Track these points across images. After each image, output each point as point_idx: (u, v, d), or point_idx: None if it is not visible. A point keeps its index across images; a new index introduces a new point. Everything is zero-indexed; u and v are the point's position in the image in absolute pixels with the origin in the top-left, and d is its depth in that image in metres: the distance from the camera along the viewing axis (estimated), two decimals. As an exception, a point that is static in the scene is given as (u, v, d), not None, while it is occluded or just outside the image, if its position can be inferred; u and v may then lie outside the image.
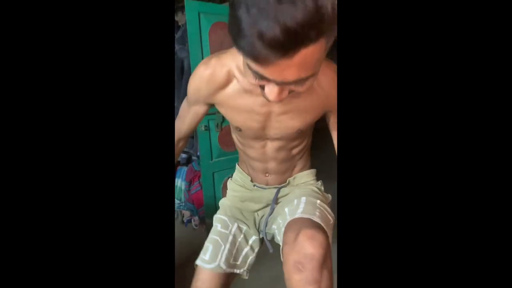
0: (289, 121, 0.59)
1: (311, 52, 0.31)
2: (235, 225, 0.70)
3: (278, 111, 0.57)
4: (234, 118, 0.60)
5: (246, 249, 0.69)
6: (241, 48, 0.31)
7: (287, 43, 0.29)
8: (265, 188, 0.73)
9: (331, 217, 0.62)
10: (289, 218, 0.58)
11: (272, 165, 0.69)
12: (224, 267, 0.64)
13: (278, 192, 0.72)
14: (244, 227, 0.71)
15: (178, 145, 0.69)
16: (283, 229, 0.58)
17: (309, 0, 0.27)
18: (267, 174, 0.71)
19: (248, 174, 0.74)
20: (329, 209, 0.64)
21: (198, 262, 0.67)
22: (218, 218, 0.72)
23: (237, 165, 0.80)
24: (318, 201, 0.64)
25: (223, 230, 0.69)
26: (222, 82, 0.55)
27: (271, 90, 0.37)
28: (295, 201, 0.64)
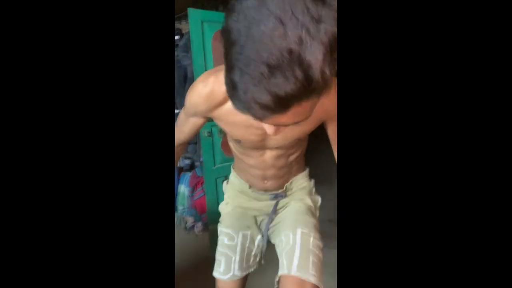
0: (288, 133, 0.59)
1: (304, 106, 0.32)
2: (240, 234, 0.73)
3: None
4: (233, 131, 0.62)
5: (255, 249, 0.74)
6: (237, 108, 0.33)
7: (279, 108, 0.31)
8: (263, 194, 0.75)
9: (321, 253, 0.67)
10: (286, 270, 0.63)
11: (271, 172, 0.71)
12: (239, 274, 0.70)
13: (276, 204, 0.75)
14: (248, 232, 0.75)
15: (176, 150, 0.71)
16: (282, 257, 0.66)
17: (299, 72, 0.28)
18: (265, 181, 0.73)
19: (246, 181, 0.76)
20: (319, 242, 0.69)
21: (215, 274, 0.72)
22: (223, 232, 0.76)
23: (232, 168, 0.81)
24: (312, 240, 0.68)
25: (229, 243, 0.73)
26: (221, 99, 0.56)
27: (269, 128, 0.38)
28: (291, 236, 0.68)
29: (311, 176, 0.80)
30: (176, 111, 1.75)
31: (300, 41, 0.27)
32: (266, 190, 0.74)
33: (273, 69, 0.28)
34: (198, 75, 1.46)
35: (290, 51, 0.27)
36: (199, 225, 1.84)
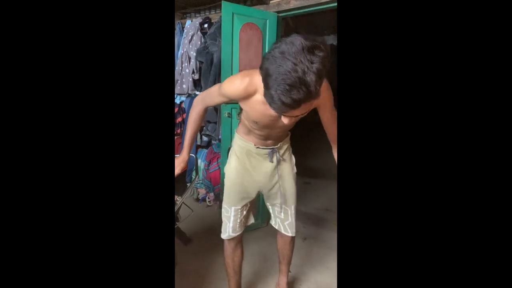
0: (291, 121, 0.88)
1: (307, 104, 0.63)
2: (232, 209, 1.08)
3: None
4: (253, 115, 0.90)
5: (244, 215, 1.11)
6: (271, 107, 0.64)
7: (296, 106, 0.61)
8: (265, 148, 1.06)
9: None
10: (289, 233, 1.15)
11: (272, 138, 1.03)
12: (233, 234, 1.09)
13: (272, 154, 1.06)
14: (239, 206, 1.08)
15: (205, 111, 1.01)
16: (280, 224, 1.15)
17: (304, 88, 0.57)
18: (267, 141, 1.05)
19: (252, 141, 1.06)
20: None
21: (222, 236, 1.11)
22: (223, 207, 1.10)
23: (238, 134, 1.09)
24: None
25: (226, 214, 1.09)
26: (250, 95, 0.85)
27: (284, 119, 0.71)
28: (289, 212, 1.13)
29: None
30: (196, 92, 1.95)
31: (304, 72, 0.57)
32: (266, 146, 1.04)
33: (291, 87, 0.58)
34: (225, 61, 1.62)
35: (299, 78, 0.57)
36: (211, 195, 2.05)
